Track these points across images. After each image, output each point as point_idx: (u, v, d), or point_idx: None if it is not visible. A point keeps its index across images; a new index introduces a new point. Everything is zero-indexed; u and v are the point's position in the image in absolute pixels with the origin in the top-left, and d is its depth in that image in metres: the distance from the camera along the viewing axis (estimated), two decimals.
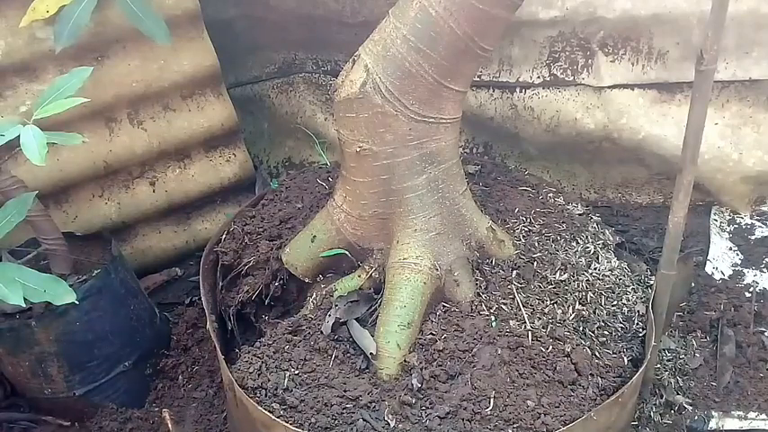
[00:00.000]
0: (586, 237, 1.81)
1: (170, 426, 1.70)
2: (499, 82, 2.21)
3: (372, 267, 1.68)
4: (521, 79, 2.18)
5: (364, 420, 1.41)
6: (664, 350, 1.80)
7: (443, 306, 1.61)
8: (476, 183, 1.96)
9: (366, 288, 1.69)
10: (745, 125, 2.09)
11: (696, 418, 1.69)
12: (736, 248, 2.13)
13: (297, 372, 1.50)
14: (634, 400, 1.57)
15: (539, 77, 2.16)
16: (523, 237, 1.76)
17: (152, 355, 1.91)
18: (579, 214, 1.90)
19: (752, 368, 1.78)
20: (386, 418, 1.40)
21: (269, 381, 1.47)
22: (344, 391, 1.48)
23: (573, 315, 1.60)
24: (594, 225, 1.87)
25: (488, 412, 1.39)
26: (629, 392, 1.46)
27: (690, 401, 1.71)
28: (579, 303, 1.63)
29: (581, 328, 1.59)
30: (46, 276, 1.39)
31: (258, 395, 1.45)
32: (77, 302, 1.44)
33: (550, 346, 1.51)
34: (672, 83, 2.06)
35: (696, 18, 1.92)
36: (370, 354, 1.51)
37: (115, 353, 1.78)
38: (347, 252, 1.69)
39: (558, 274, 1.68)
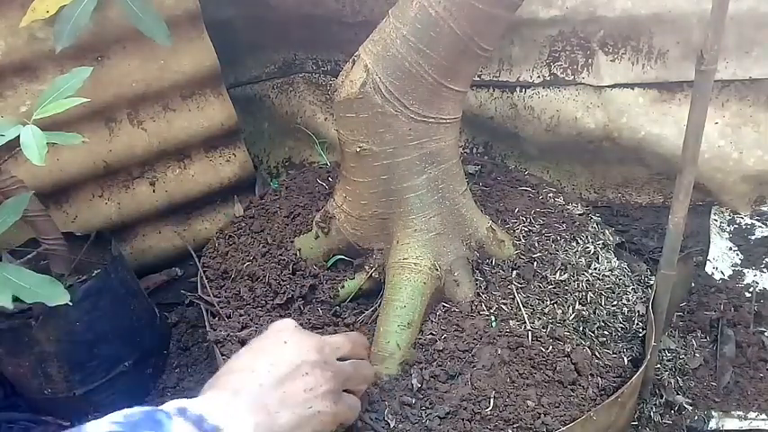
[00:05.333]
0: (586, 237, 1.81)
1: None
2: (499, 81, 2.21)
3: (372, 267, 1.68)
4: (521, 79, 2.18)
5: (364, 421, 1.41)
6: (664, 350, 1.80)
7: (443, 306, 1.61)
8: (476, 183, 1.96)
9: (366, 288, 1.69)
10: (746, 124, 2.09)
11: (696, 418, 1.69)
12: (736, 248, 2.13)
13: None
14: (634, 400, 1.57)
15: (539, 77, 2.16)
16: (523, 237, 1.76)
17: (152, 355, 1.91)
18: (579, 214, 1.90)
19: (752, 368, 1.78)
20: (386, 419, 1.40)
21: None
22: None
23: (573, 315, 1.60)
24: (594, 225, 1.87)
25: (488, 412, 1.39)
26: (629, 392, 1.46)
27: (690, 401, 1.71)
28: (579, 303, 1.63)
29: (581, 328, 1.59)
30: (41, 277, 1.38)
31: None
32: (74, 303, 1.43)
33: (550, 346, 1.51)
34: (672, 82, 2.06)
35: (696, 17, 1.92)
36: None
37: (115, 353, 1.78)
38: (344, 257, 1.72)
39: (558, 274, 1.68)
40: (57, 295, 1.38)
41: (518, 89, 2.19)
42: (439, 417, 1.39)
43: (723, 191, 2.19)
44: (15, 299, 1.34)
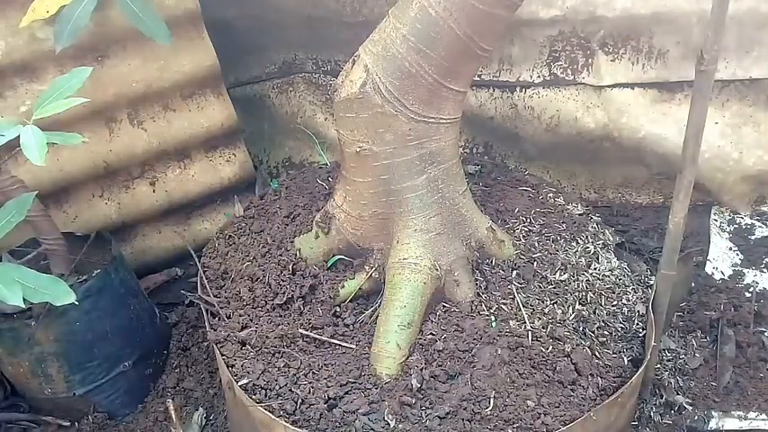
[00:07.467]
0: (586, 237, 1.81)
1: (174, 417, 1.70)
2: (499, 81, 2.21)
3: (372, 267, 1.68)
4: (521, 78, 2.18)
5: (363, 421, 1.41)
6: (664, 350, 1.80)
7: (443, 306, 1.61)
8: (476, 183, 1.96)
9: (366, 288, 1.69)
10: (746, 124, 2.09)
11: (696, 418, 1.69)
12: (736, 248, 2.13)
13: (296, 371, 1.51)
14: (634, 400, 1.57)
15: (539, 77, 2.16)
16: (523, 237, 1.76)
17: (152, 355, 1.91)
18: (579, 214, 1.90)
19: (752, 368, 1.79)
20: (386, 418, 1.40)
21: (268, 380, 1.47)
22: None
23: (573, 315, 1.60)
24: (594, 225, 1.87)
25: (488, 412, 1.39)
26: (629, 392, 1.46)
27: (690, 401, 1.71)
28: (579, 303, 1.63)
29: (581, 328, 1.59)
30: (45, 277, 1.39)
31: (258, 395, 1.45)
32: (77, 303, 1.44)
33: (550, 346, 1.51)
34: (672, 82, 2.06)
35: (696, 17, 1.92)
36: None
37: (115, 353, 1.78)
38: (345, 257, 1.71)
39: (558, 274, 1.68)
40: (62, 294, 1.38)
41: (518, 89, 2.19)
42: (439, 417, 1.39)
43: (723, 191, 2.19)
44: None
